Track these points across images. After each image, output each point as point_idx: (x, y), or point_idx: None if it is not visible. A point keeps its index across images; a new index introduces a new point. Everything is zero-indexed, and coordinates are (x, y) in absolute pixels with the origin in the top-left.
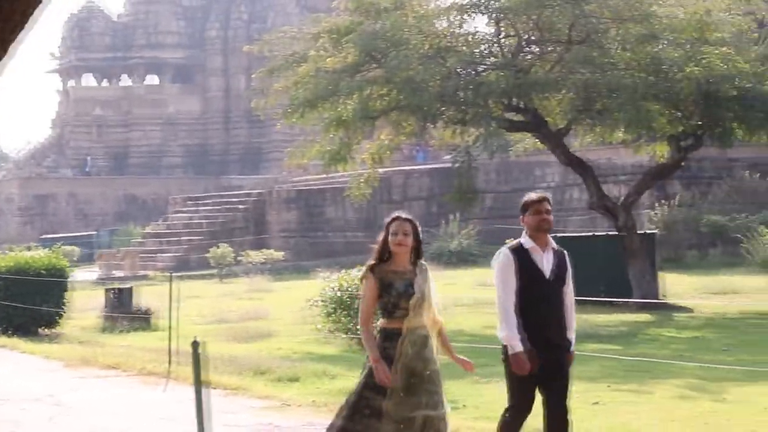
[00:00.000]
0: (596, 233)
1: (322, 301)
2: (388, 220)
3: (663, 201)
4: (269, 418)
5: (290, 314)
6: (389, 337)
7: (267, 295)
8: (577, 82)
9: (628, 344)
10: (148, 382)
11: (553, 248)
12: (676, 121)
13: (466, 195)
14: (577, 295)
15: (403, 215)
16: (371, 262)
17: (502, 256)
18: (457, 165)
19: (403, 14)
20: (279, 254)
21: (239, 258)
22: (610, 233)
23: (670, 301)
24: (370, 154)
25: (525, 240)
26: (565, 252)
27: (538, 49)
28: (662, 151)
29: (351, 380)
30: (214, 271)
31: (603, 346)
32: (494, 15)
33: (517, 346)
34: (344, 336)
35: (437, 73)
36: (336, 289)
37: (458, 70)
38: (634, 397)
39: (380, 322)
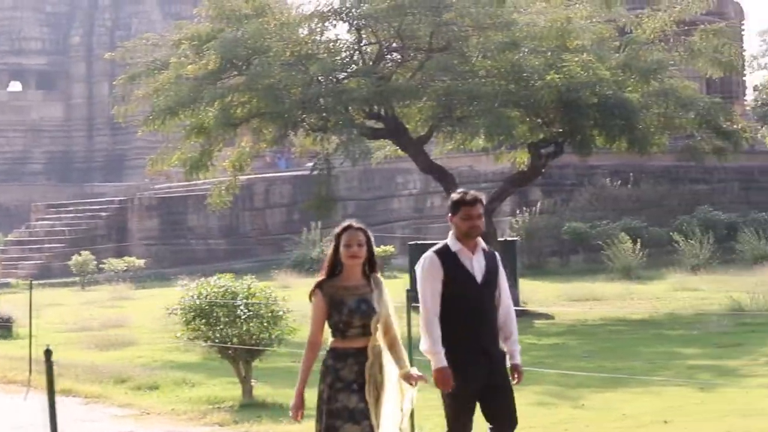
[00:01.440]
0: None
1: (182, 309)
2: (338, 230)
3: (524, 208)
4: (129, 426)
5: (151, 322)
6: (341, 357)
7: (129, 302)
8: (438, 89)
9: None
10: (9, 390)
11: (483, 249)
12: (537, 128)
13: (325, 202)
14: None
15: (355, 224)
16: (320, 277)
17: (427, 260)
18: (315, 172)
19: (264, 21)
20: (141, 262)
21: (101, 266)
22: None
23: (531, 308)
24: (231, 161)
25: (452, 242)
26: (496, 253)
27: (399, 57)
28: (523, 159)
29: (210, 388)
30: (77, 278)
31: None
32: (355, 22)
33: (441, 360)
34: (203, 344)
35: (299, 81)
36: (195, 297)
37: (320, 77)
38: None
39: (331, 342)
